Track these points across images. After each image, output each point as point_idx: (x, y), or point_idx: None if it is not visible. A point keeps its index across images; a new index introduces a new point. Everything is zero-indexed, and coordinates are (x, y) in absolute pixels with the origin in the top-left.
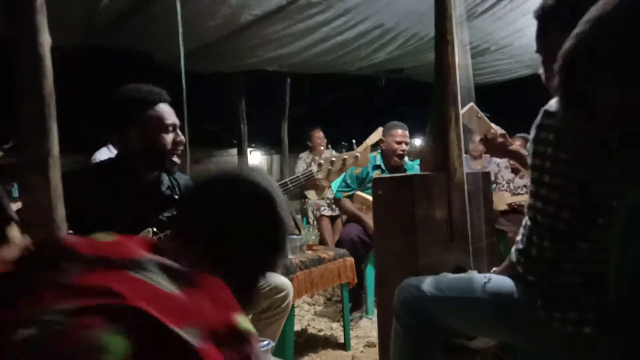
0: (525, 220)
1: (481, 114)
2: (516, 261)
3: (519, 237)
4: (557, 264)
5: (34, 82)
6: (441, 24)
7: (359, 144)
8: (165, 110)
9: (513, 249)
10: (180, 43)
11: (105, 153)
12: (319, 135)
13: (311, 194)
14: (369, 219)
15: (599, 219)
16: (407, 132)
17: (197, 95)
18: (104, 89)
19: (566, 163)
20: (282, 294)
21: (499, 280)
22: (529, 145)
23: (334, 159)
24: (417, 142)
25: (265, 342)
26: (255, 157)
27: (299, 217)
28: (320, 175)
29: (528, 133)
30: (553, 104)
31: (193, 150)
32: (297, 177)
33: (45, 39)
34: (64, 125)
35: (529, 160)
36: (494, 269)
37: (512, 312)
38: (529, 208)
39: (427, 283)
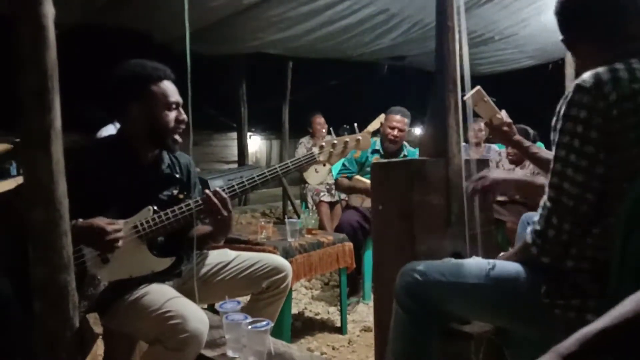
0: (544, 201)
1: (487, 98)
2: (532, 242)
3: (536, 218)
4: (572, 248)
5: (36, 54)
6: (442, 9)
7: (360, 129)
8: (169, 88)
9: (529, 230)
10: (186, 23)
11: (111, 130)
12: (319, 120)
13: (311, 178)
14: (368, 185)
15: (616, 205)
16: (405, 119)
17: (197, 78)
18: (102, 69)
19: (595, 143)
20: (282, 275)
21: (503, 267)
22: (554, 120)
23: (335, 141)
24: (417, 130)
25: (264, 323)
26: (255, 142)
27: (297, 202)
28: (321, 158)
29: (529, 124)
30: (587, 78)
31: (193, 132)
32: (299, 158)
33: (49, 10)
34: (62, 104)
35: (556, 137)
36: (502, 254)
37: (515, 298)
38: (551, 187)
39: (430, 268)
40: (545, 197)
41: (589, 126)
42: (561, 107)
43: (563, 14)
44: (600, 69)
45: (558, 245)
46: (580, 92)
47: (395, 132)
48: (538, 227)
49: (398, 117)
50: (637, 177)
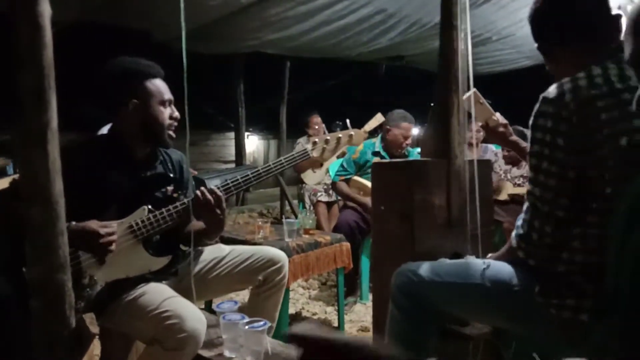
0: (527, 206)
1: (483, 100)
2: (517, 246)
3: (519, 222)
4: (557, 250)
5: (33, 53)
6: (447, 8)
7: (355, 127)
8: (162, 85)
9: (513, 234)
10: (182, 22)
11: None
12: (316, 120)
13: (308, 178)
14: (365, 199)
15: (594, 204)
16: (412, 125)
17: (195, 77)
18: (101, 67)
19: (563, 149)
20: (277, 265)
21: (497, 267)
22: (528, 132)
23: (328, 137)
24: (416, 130)
25: (262, 323)
26: (253, 142)
27: (295, 202)
28: (315, 154)
29: (526, 124)
30: (551, 90)
31: (190, 132)
32: (292, 154)
33: (45, 9)
34: (59, 103)
35: (528, 147)
36: (490, 255)
37: (509, 298)
38: (528, 194)
39: (426, 268)
40: (526, 203)
41: (555, 134)
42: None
43: (535, 21)
44: (563, 80)
45: (543, 248)
46: (545, 103)
47: (409, 140)
48: (521, 231)
49: (407, 124)
50: (616, 176)
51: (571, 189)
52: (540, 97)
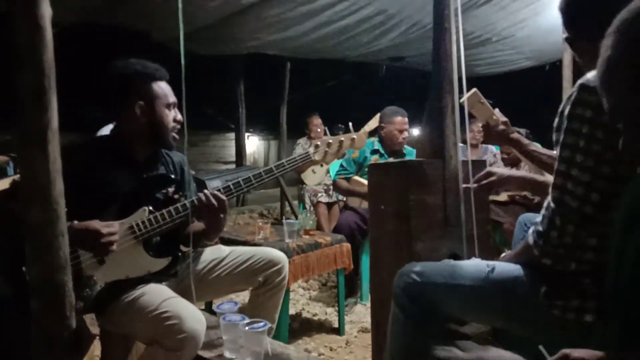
0: (548, 202)
1: (484, 100)
2: (533, 244)
3: (538, 219)
4: (574, 249)
5: (33, 54)
6: (439, 11)
7: (356, 129)
8: (167, 88)
9: (531, 231)
10: (180, 23)
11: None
12: (316, 122)
13: (308, 179)
14: (364, 190)
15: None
16: (406, 119)
17: (195, 78)
18: (101, 68)
19: (602, 142)
20: (277, 267)
21: (502, 269)
22: (557, 121)
23: (330, 140)
24: (415, 131)
25: (262, 324)
26: (253, 143)
27: (295, 202)
28: (317, 157)
29: (526, 125)
30: (591, 77)
31: (190, 133)
32: (294, 157)
33: (46, 10)
34: (61, 103)
35: (561, 137)
36: (503, 255)
37: (513, 300)
38: (554, 188)
39: (429, 269)
40: (549, 198)
41: (595, 125)
42: (564, 107)
43: (567, 12)
44: None
45: (560, 248)
46: (585, 91)
47: (405, 134)
48: (540, 228)
49: (401, 118)
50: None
51: (604, 185)
52: (578, 84)
